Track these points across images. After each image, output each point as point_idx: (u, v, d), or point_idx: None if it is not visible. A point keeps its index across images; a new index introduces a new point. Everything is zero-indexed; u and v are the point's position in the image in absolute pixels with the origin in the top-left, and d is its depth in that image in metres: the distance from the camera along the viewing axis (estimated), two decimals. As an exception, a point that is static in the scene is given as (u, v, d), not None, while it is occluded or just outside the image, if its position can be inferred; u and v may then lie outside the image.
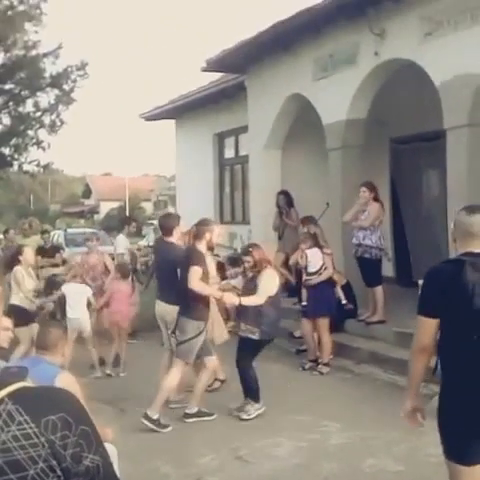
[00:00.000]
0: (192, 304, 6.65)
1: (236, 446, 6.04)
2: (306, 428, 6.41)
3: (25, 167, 19.13)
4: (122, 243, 11.17)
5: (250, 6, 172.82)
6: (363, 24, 9.25)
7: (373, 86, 9.75)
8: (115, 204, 50.61)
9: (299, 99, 11.22)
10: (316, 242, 8.82)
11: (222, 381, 7.66)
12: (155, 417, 6.53)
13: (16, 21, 16.64)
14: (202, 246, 6.79)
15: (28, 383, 1.24)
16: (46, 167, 19.69)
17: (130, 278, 9.65)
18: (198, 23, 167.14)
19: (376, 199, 9.24)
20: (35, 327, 8.67)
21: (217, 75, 14.44)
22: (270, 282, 6.93)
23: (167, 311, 7.29)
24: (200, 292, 6.68)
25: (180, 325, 6.74)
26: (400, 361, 7.83)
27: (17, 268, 8.70)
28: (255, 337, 6.83)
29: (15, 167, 19.34)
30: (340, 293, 9.04)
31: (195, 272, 6.57)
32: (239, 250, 12.49)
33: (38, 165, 19.07)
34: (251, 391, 6.93)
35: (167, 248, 7.44)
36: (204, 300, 6.73)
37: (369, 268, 9.15)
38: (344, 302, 9.07)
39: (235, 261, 9.73)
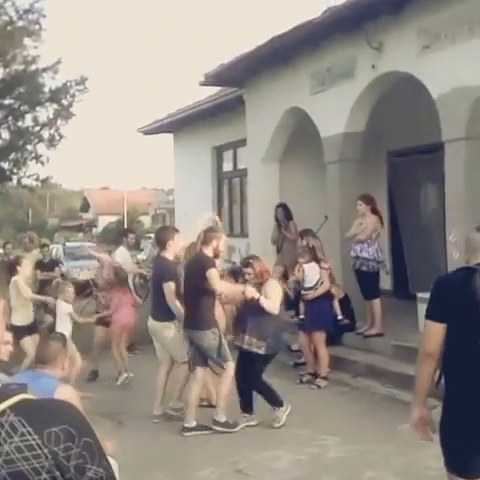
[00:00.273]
0: (200, 314, 6.71)
1: (235, 459, 6.03)
2: (305, 441, 6.39)
3: (24, 181, 19.12)
4: (122, 255, 11.14)
5: (247, 20, 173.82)
6: (360, 38, 9.30)
7: (370, 99, 9.79)
8: (113, 218, 50.64)
9: (297, 112, 11.26)
10: (314, 256, 8.81)
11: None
12: (223, 420, 6.71)
13: (15, 36, 16.66)
14: (209, 252, 6.85)
15: (30, 395, 1.24)
16: (45, 181, 19.67)
17: (130, 289, 9.69)
18: (196, 37, 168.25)
19: (374, 211, 9.26)
20: (37, 338, 8.68)
21: (215, 89, 14.51)
22: (276, 292, 7.00)
23: (155, 328, 7.37)
24: (227, 292, 6.99)
25: (197, 339, 6.78)
26: (398, 374, 7.83)
27: (15, 278, 8.67)
28: (262, 352, 6.86)
29: (14, 181, 19.30)
30: (337, 308, 9.03)
31: (214, 275, 6.68)
32: (237, 263, 12.50)
33: (37, 179, 19.05)
34: (273, 399, 6.98)
35: (160, 263, 7.50)
36: (212, 307, 6.81)
37: (367, 281, 9.15)
38: (340, 317, 9.07)
39: (235, 273, 9.73)
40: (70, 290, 8.64)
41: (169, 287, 7.12)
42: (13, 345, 4.92)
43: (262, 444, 6.39)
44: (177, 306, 7.09)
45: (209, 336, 6.69)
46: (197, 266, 6.78)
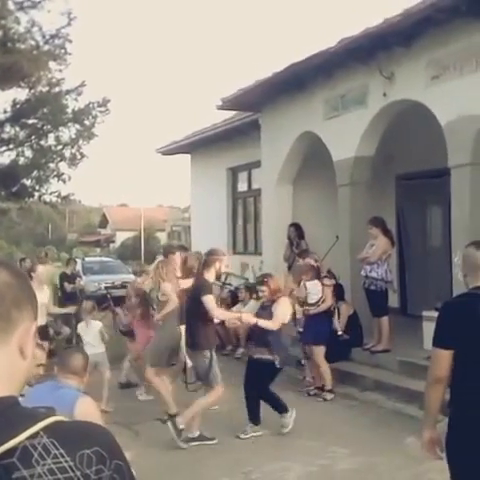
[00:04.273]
0: (196, 335, 6.98)
1: (248, 470, 6.21)
2: (315, 453, 6.57)
3: (45, 198, 19.37)
4: None
5: (264, 47, 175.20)
6: (373, 67, 9.60)
7: (381, 125, 10.09)
8: (130, 234, 51.02)
9: (310, 137, 11.55)
10: (317, 274, 9.11)
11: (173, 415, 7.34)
12: (196, 435, 7.03)
13: (41, 60, 16.97)
14: (210, 275, 7.12)
15: (61, 417, 1.23)
16: (66, 198, 19.95)
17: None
18: (213, 63, 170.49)
19: (385, 232, 9.57)
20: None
21: (230, 112, 14.78)
22: (285, 310, 7.26)
23: None
24: (221, 318, 7.23)
25: (191, 357, 7.16)
26: (403, 389, 8.10)
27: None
28: (277, 364, 7.13)
29: (35, 197, 19.56)
30: (336, 324, 9.30)
31: (210, 300, 6.93)
32: (251, 280, 12.83)
33: (58, 196, 19.33)
34: (278, 406, 7.27)
35: None
36: (207, 329, 7.04)
37: (375, 299, 9.46)
38: (340, 333, 9.34)
39: (250, 290, 10.02)
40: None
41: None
42: None
43: (274, 455, 6.59)
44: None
45: (199, 357, 6.96)
46: (196, 290, 7.05)
